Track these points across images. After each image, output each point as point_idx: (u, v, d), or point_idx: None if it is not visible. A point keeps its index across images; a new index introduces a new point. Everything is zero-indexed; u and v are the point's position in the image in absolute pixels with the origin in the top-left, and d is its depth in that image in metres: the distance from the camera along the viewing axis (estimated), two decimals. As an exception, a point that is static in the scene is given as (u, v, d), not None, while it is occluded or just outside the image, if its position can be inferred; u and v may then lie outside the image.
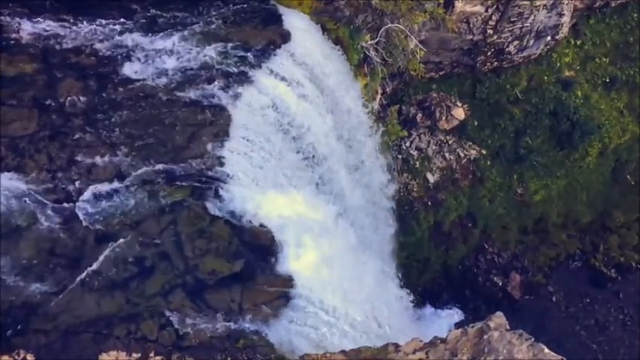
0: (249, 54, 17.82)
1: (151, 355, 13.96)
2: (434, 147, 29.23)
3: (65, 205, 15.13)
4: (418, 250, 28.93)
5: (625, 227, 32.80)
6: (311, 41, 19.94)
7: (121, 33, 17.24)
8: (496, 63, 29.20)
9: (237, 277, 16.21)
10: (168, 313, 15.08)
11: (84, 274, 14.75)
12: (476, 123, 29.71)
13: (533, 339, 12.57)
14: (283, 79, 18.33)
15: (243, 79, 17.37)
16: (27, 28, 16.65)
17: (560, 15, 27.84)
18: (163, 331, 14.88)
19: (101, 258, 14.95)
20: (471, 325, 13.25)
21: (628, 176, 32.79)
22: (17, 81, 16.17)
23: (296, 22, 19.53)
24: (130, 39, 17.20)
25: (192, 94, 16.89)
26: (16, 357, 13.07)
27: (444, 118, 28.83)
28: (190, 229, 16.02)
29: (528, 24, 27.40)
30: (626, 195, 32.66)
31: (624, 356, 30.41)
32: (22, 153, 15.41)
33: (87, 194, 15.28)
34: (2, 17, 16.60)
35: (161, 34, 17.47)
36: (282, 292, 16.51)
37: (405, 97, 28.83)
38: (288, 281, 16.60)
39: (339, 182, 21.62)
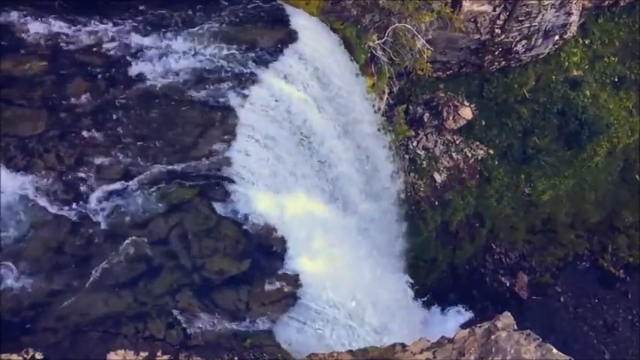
0: (256, 54, 17.85)
1: (159, 354, 14.01)
2: (441, 147, 29.18)
3: (74, 204, 15.21)
4: (425, 249, 28.89)
5: (633, 227, 32.64)
6: (318, 41, 19.95)
7: (129, 33, 17.30)
8: (504, 62, 29.11)
9: (245, 277, 16.26)
10: (175, 313, 15.14)
11: (92, 274, 14.82)
12: (483, 122, 29.64)
13: (541, 339, 12.54)
14: (290, 79, 18.35)
15: (251, 79, 17.40)
16: (36, 29, 16.74)
17: (569, 14, 27.72)
18: (171, 330, 14.94)
19: (109, 257, 15.02)
20: (479, 325, 13.24)
21: (637, 176, 32.63)
22: (26, 81, 16.26)
23: (303, 22, 19.55)
24: (138, 39, 17.26)
25: (200, 94, 16.93)
26: (25, 355, 13.15)
27: (451, 117, 28.76)
28: (198, 228, 16.07)
29: (536, 23, 27.30)
30: (634, 195, 32.51)
31: (633, 357, 30.26)
32: (31, 153, 15.50)
33: (95, 194, 15.35)
34: (11, 18, 16.70)
35: (169, 34, 17.53)
36: (289, 291, 16.53)
37: (412, 96, 28.79)
38: (295, 281, 16.62)
39: (346, 182, 21.62)
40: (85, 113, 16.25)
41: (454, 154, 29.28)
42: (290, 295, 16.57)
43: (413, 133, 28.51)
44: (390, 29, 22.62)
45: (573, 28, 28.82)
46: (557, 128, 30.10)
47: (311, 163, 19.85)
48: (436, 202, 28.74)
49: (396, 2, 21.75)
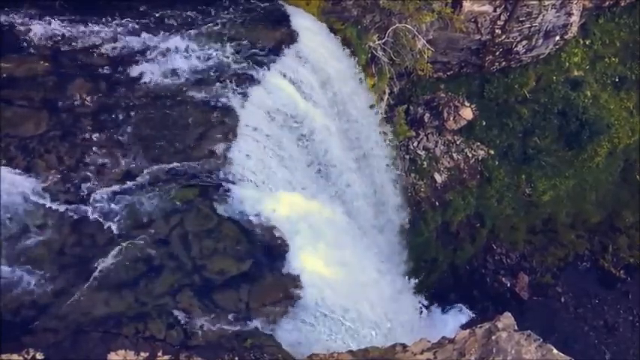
0: (257, 54, 17.86)
1: (159, 354, 14.00)
2: (441, 147, 29.19)
3: (75, 204, 15.21)
4: (426, 250, 28.91)
5: (634, 228, 32.66)
6: (318, 42, 19.97)
7: (130, 33, 17.32)
8: (504, 63, 29.12)
9: (245, 277, 16.24)
10: (176, 313, 15.11)
11: (93, 274, 14.82)
12: (484, 123, 29.66)
13: (541, 339, 12.54)
14: (291, 79, 18.36)
15: (252, 79, 17.40)
16: (37, 29, 16.74)
17: (569, 14, 27.74)
18: (171, 330, 14.91)
19: (110, 257, 15.03)
20: (479, 325, 13.24)
21: (637, 176, 32.64)
22: (27, 81, 16.26)
23: (304, 22, 19.55)
24: (139, 39, 17.27)
25: (200, 94, 16.94)
26: (26, 356, 13.16)
27: (451, 118, 28.78)
28: (199, 228, 16.06)
29: (537, 23, 27.31)
30: (635, 195, 32.53)
31: (633, 357, 30.26)
32: (32, 153, 15.50)
33: (96, 194, 15.36)
34: (13, 18, 16.72)
35: (170, 34, 17.54)
36: (290, 292, 16.52)
37: (413, 97, 28.82)
38: (296, 281, 16.61)
39: (347, 182, 21.62)
40: (86, 114, 16.25)
41: (455, 155, 29.30)
42: (291, 296, 16.56)
43: (413, 134, 28.54)
44: (390, 29, 22.64)
45: (574, 29, 28.84)
46: (557, 128, 30.12)
47: (313, 164, 19.85)
48: (437, 203, 28.76)
49: (396, 2, 21.77)
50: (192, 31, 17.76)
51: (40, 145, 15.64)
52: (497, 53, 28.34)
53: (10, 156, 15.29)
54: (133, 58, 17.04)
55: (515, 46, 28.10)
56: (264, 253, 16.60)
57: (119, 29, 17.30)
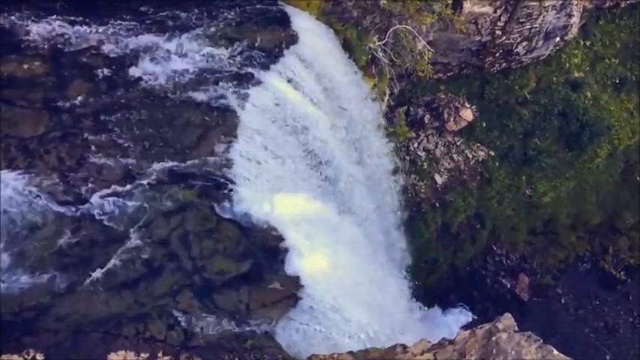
0: (257, 55, 17.86)
1: (159, 355, 14.01)
2: (442, 148, 29.18)
3: (75, 205, 15.22)
4: (426, 251, 28.90)
5: (634, 229, 32.65)
6: (319, 42, 19.97)
7: (130, 34, 17.32)
8: (504, 64, 29.11)
9: (245, 278, 16.24)
10: (176, 313, 15.12)
11: (93, 275, 14.82)
12: (484, 124, 29.65)
13: (541, 340, 12.52)
14: (291, 80, 18.36)
15: (252, 80, 17.41)
16: (37, 30, 16.75)
17: (570, 16, 27.74)
18: (171, 331, 14.92)
19: (110, 258, 15.02)
20: (480, 326, 13.23)
21: (638, 177, 32.63)
22: (27, 82, 16.26)
23: (304, 23, 19.56)
24: (139, 40, 17.27)
25: (201, 95, 16.93)
26: (26, 356, 13.16)
27: (451, 119, 28.76)
28: (199, 229, 16.06)
29: (537, 25, 27.31)
30: (635, 196, 32.52)
31: (634, 358, 30.24)
32: (32, 154, 15.50)
33: (97, 195, 15.36)
34: (13, 19, 16.72)
35: (170, 35, 17.54)
36: (289, 292, 16.52)
37: (413, 98, 28.81)
38: (296, 282, 16.60)
39: (347, 184, 21.62)
40: (86, 114, 16.25)
41: (455, 156, 29.28)
42: (291, 297, 16.55)
43: (414, 135, 28.51)
44: (390, 31, 22.64)
45: (574, 30, 28.83)
46: (558, 130, 30.11)
47: (312, 165, 19.84)
48: (437, 204, 28.73)
49: (396, 4, 21.78)
50: (192, 32, 17.76)
51: (40, 145, 15.63)
52: (498, 54, 28.33)
53: (10, 156, 15.29)
54: (133, 58, 17.03)
55: (516, 47, 28.09)
56: (264, 253, 16.60)
57: (119, 30, 17.30)
